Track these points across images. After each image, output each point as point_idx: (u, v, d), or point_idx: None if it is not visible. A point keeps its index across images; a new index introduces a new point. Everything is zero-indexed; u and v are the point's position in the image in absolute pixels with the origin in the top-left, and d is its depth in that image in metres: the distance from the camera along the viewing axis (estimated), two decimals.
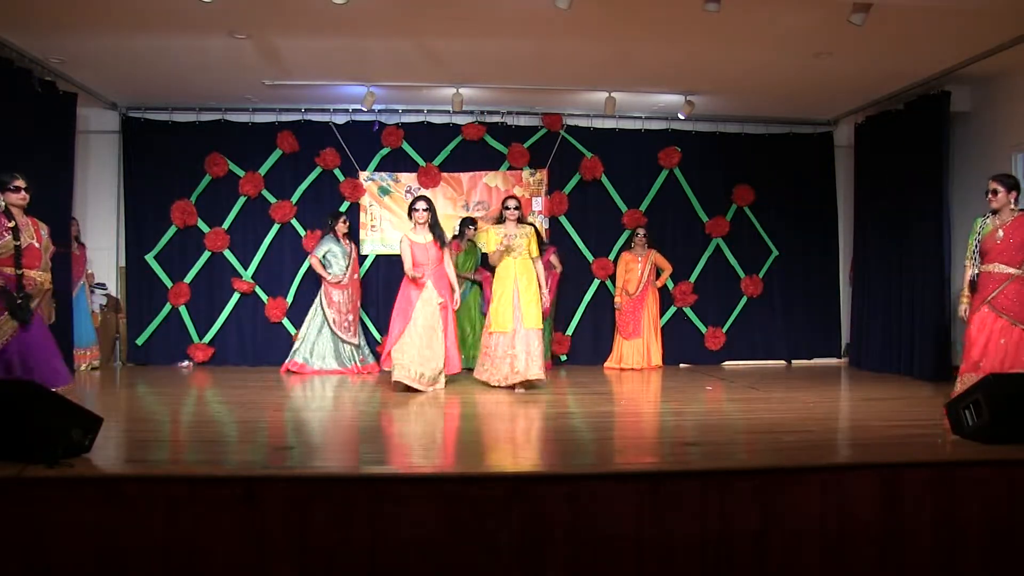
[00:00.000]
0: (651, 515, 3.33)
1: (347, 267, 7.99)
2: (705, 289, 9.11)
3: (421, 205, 6.65)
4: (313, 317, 8.01)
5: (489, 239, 6.75)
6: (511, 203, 6.78)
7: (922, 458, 3.78)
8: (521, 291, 6.59)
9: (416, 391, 6.35)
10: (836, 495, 3.45)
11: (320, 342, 7.93)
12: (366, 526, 3.23)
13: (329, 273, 7.90)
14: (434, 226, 6.68)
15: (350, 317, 8.00)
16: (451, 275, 6.69)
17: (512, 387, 6.48)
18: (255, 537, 3.20)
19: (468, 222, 8.41)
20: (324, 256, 7.93)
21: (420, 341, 6.44)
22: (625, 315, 8.49)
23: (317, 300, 8.06)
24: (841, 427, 5.32)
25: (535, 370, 6.47)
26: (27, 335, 4.87)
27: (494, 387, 6.58)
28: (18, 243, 4.83)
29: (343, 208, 8.64)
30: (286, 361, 8.01)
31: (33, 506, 3.19)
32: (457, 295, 6.71)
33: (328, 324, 7.93)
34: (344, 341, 7.95)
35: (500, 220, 6.88)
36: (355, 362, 7.94)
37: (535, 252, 6.75)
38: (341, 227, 8.06)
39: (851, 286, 9.15)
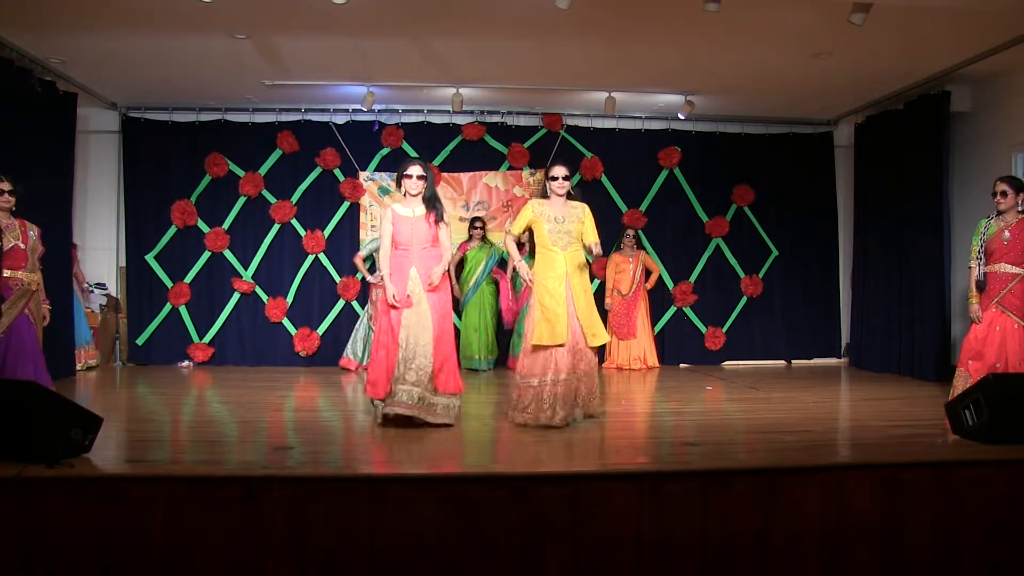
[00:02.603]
0: (651, 515, 3.33)
1: None
2: (705, 289, 9.10)
3: (414, 171, 4.96)
4: (362, 316, 8.26)
5: (521, 217, 5.06)
6: (559, 171, 4.98)
7: (922, 458, 3.78)
8: (576, 293, 4.90)
9: (418, 420, 4.74)
10: (836, 495, 3.46)
11: (370, 338, 8.14)
12: (366, 526, 3.23)
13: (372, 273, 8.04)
14: (431, 199, 4.99)
15: None
16: (444, 257, 4.99)
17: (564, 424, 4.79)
18: (255, 537, 3.21)
19: (476, 221, 8.38)
20: (372, 253, 8.06)
21: (406, 352, 4.77)
22: (619, 316, 8.49)
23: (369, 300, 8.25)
24: (841, 427, 5.32)
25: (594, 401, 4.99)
26: (9, 335, 4.92)
27: (546, 427, 4.73)
28: None
29: (343, 208, 8.66)
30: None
31: (33, 506, 3.19)
32: (452, 282, 5.08)
33: (368, 321, 8.14)
34: None
35: (545, 193, 5.10)
36: None
37: (592, 237, 4.97)
38: None
39: (852, 292, 9.17)
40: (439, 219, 4.98)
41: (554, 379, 4.77)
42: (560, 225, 4.93)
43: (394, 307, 4.84)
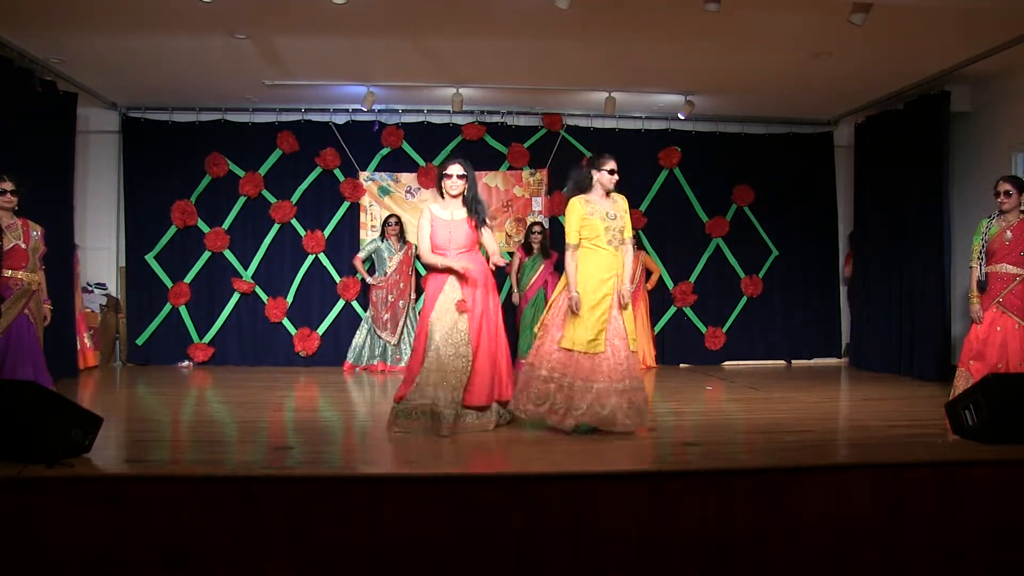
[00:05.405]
0: (651, 515, 3.33)
1: (387, 268, 8.20)
2: (705, 289, 9.10)
3: (454, 170, 4.70)
4: (364, 319, 8.38)
5: (573, 221, 4.56)
6: (612, 164, 4.56)
7: (922, 458, 3.78)
8: (625, 297, 4.61)
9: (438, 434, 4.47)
10: (836, 495, 3.46)
11: (368, 340, 8.26)
12: (366, 526, 3.23)
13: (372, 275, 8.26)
14: (471, 201, 4.73)
15: (386, 316, 8.13)
16: (490, 254, 4.68)
17: (578, 429, 4.51)
18: (255, 537, 3.21)
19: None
20: (371, 255, 8.28)
21: (437, 364, 4.53)
22: None
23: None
24: (841, 427, 5.32)
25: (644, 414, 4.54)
26: (9, 335, 4.92)
27: (550, 428, 4.55)
28: None
29: (343, 208, 8.68)
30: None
31: (33, 506, 3.19)
32: (477, 292, 4.65)
33: (367, 322, 8.30)
34: (379, 338, 8.18)
35: (584, 188, 4.65)
36: (385, 360, 8.10)
37: (630, 232, 4.73)
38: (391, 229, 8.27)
39: (846, 284, 9.18)
40: (481, 223, 4.71)
41: (571, 383, 4.46)
42: (613, 222, 4.55)
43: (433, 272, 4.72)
